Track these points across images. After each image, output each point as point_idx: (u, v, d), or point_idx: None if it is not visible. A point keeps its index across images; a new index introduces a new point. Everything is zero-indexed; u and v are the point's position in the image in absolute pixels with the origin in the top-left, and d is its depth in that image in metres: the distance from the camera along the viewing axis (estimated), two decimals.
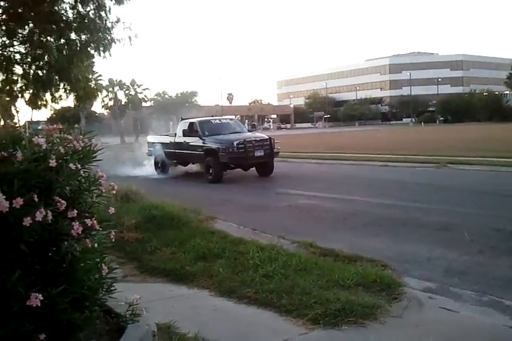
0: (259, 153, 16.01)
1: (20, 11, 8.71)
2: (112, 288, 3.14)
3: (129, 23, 10.41)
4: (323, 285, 4.94)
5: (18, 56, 10.05)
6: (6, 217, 2.31)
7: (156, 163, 19.50)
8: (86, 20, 9.42)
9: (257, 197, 12.54)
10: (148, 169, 19.56)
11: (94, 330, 3.12)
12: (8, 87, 10.66)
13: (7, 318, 2.36)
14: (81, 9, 9.59)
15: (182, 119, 18.93)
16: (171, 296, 5.12)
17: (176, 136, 18.54)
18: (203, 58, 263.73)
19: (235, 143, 15.87)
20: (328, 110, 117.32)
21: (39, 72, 9.98)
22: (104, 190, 3.26)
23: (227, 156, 15.71)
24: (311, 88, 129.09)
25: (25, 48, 9.93)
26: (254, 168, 16.87)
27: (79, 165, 2.90)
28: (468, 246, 6.70)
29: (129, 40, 10.59)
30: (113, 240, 3.24)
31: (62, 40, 9.65)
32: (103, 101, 69.57)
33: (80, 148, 3.01)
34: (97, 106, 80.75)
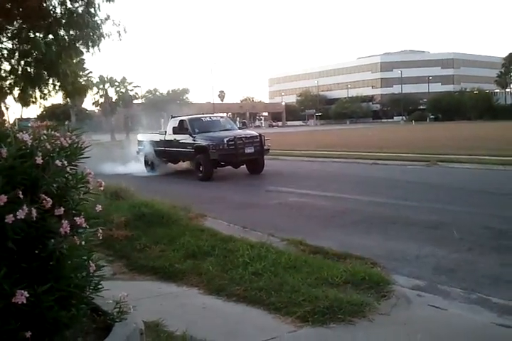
0: (249, 150, 16.01)
1: (8, 6, 8.64)
2: (100, 286, 3.12)
3: (119, 20, 10.36)
4: (312, 282, 4.94)
5: (5, 52, 9.98)
6: None
7: (146, 161, 19.44)
8: (75, 16, 9.36)
9: (248, 195, 12.54)
10: (138, 167, 19.48)
11: (80, 328, 3.10)
12: None
13: None
14: (70, 5, 9.53)
15: (172, 117, 18.87)
16: (159, 294, 5.10)
17: (166, 133, 18.49)
18: (194, 56, 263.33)
19: (225, 140, 15.86)
20: (320, 108, 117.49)
21: (28, 68, 9.90)
22: (91, 188, 3.23)
23: (217, 153, 15.69)
24: (303, 86, 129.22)
25: (13, 44, 9.86)
26: (244, 166, 16.86)
27: (65, 162, 2.87)
28: (457, 244, 6.73)
29: (118, 35, 10.54)
30: (100, 238, 3.21)
31: (51, 36, 9.58)
32: (94, 98, 69.38)
33: (67, 145, 2.98)
34: (88, 104, 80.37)
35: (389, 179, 14.00)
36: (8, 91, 10.95)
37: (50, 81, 10.67)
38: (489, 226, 7.68)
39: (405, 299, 4.73)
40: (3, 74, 10.82)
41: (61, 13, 9.54)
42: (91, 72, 64.06)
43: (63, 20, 9.47)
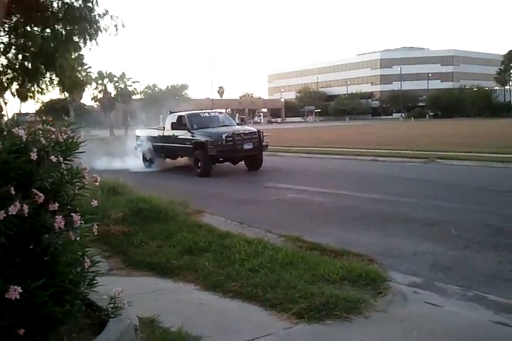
0: (247, 146, 15.98)
1: (6, 0, 8.60)
2: (94, 282, 3.10)
3: (117, 15, 10.34)
4: (308, 279, 4.93)
5: (1, 46, 9.94)
6: None
7: (144, 157, 19.41)
8: (72, 10, 9.32)
9: (246, 191, 12.52)
10: (136, 162, 19.45)
11: (75, 324, 3.09)
12: None
13: None
14: (67, 0, 9.50)
15: (171, 112, 18.83)
16: (156, 290, 5.09)
17: (164, 129, 18.46)
18: (194, 52, 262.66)
19: (223, 135, 15.83)
20: (319, 104, 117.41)
21: (25, 62, 9.88)
22: (86, 183, 3.21)
23: (215, 149, 15.66)
24: (302, 82, 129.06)
25: (10, 38, 9.82)
26: (243, 162, 16.83)
27: (60, 158, 2.86)
28: (455, 241, 6.72)
29: (115, 30, 10.51)
30: (96, 233, 3.19)
31: (48, 30, 9.55)
32: (92, 93, 69.25)
33: (63, 140, 2.96)
34: (87, 99, 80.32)
35: (388, 176, 14.00)
36: (6, 85, 10.92)
37: (47, 75, 10.63)
38: (488, 223, 7.67)
39: (402, 296, 4.72)
40: (1, 69, 10.78)
41: (58, 7, 9.51)
42: (90, 68, 63.90)
43: (60, 14, 9.44)
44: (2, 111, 20.10)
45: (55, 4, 9.51)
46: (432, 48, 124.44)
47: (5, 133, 2.67)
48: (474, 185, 11.70)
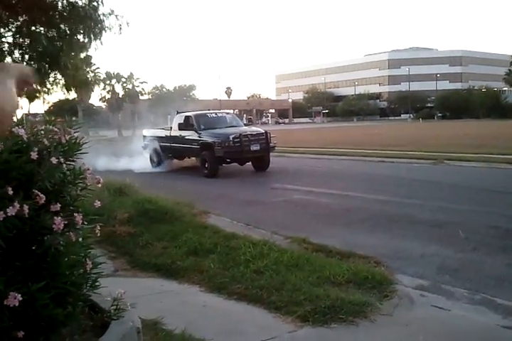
0: (255, 147, 15.93)
1: (13, 1, 8.63)
2: (97, 284, 3.07)
3: (122, 14, 10.35)
4: (313, 281, 4.88)
5: (6, 45, 9.96)
6: None
7: (151, 157, 19.41)
8: (77, 10, 9.33)
9: (253, 192, 12.48)
10: (143, 162, 19.44)
11: (77, 326, 3.06)
12: None
13: None
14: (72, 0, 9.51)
15: (178, 113, 18.81)
16: (160, 291, 5.07)
17: (171, 129, 18.45)
18: (201, 52, 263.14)
19: (230, 136, 15.79)
20: (327, 105, 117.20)
21: (32, 62, 9.89)
22: (89, 184, 3.18)
23: (222, 150, 15.63)
24: (310, 83, 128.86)
25: (14, 38, 9.84)
26: (250, 163, 16.79)
27: (62, 158, 2.83)
28: (462, 244, 6.65)
29: (119, 29, 10.52)
30: (98, 234, 3.16)
31: (53, 29, 9.56)
32: (100, 94, 69.57)
33: (65, 141, 2.94)
34: (95, 99, 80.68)
35: (395, 177, 13.92)
36: None
37: (52, 74, 10.64)
38: (496, 225, 7.60)
39: (408, 299, 4.67)
40: None
41: (63, 6, 9.51)
42: (98, 68, 64.30)
43: (65, 14, 9.43)
44: None
45: (59, 3, 9.52)
46: (440, 49, 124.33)
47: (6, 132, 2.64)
48: (482, 186, 11.61)
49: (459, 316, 4.34)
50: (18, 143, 2.58)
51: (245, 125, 19.12)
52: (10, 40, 9.93)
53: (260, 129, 17.40)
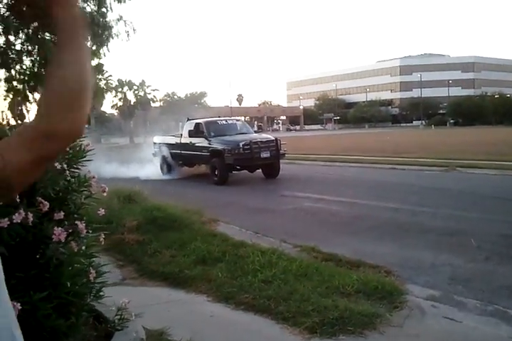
0: (265, 154, 15.88)
1: (24, 9, 8.67)
2: (101, 293, 3.03)
3: (130, 21, 10.39)
4: (322, 291, 4.80)
5: (14, 53, 10.01)
6: None
7: (161, 164, 19.42)
8: (85, 16, 9.38)
9: (262, 200, 12.42)
10: (154, 170, 19.45)
11: (81, 337, 3.02)
12: (11, 85, 10.64)
13: None
14: (81, 5, 9.53)
15: (188, 120, 18.83)
16: (168, 301, 5.02)
17: (181, 136, 18.45)
18: (213, 59, 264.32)
19: (240, 144, 15.75)
20: (338, 112, 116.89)
21: (42, 70, 9.93)
22: (94, 192, 3.14)
23: (232, 157, 15.59)
24: (321, 89, 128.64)
25: (23, 45, 9.89)
26: (260, 170, 16.74)
27: (65, 165, 2.81)
28: (474, 253, 6.53)
29: (126, 35, 10.55)
30: (102, 243, 3.12)
31: None
32: (112, 101, 70.03)
33: (69, 148, 2.90)
34: (107, 107, 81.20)
35: (406, 184, 13.79)
36: (23, 94, 11.00)
37: None
38: (508, 234, 7.47)
39: (419, 310, 4.57)
40: (21, 77, 10.85)
41: None
42: (111, 76, 64.66)
43: None
44: (25, 118, 20.29)
45: None
46: (452, 55, 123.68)
47: None
48: (494, 194, 11.45)
49: (470, 328, 4.24)
50: None
51: (255, 132, 19.09)
52: (18, 47, 9.98)
53: (270, 136, 17.35)
